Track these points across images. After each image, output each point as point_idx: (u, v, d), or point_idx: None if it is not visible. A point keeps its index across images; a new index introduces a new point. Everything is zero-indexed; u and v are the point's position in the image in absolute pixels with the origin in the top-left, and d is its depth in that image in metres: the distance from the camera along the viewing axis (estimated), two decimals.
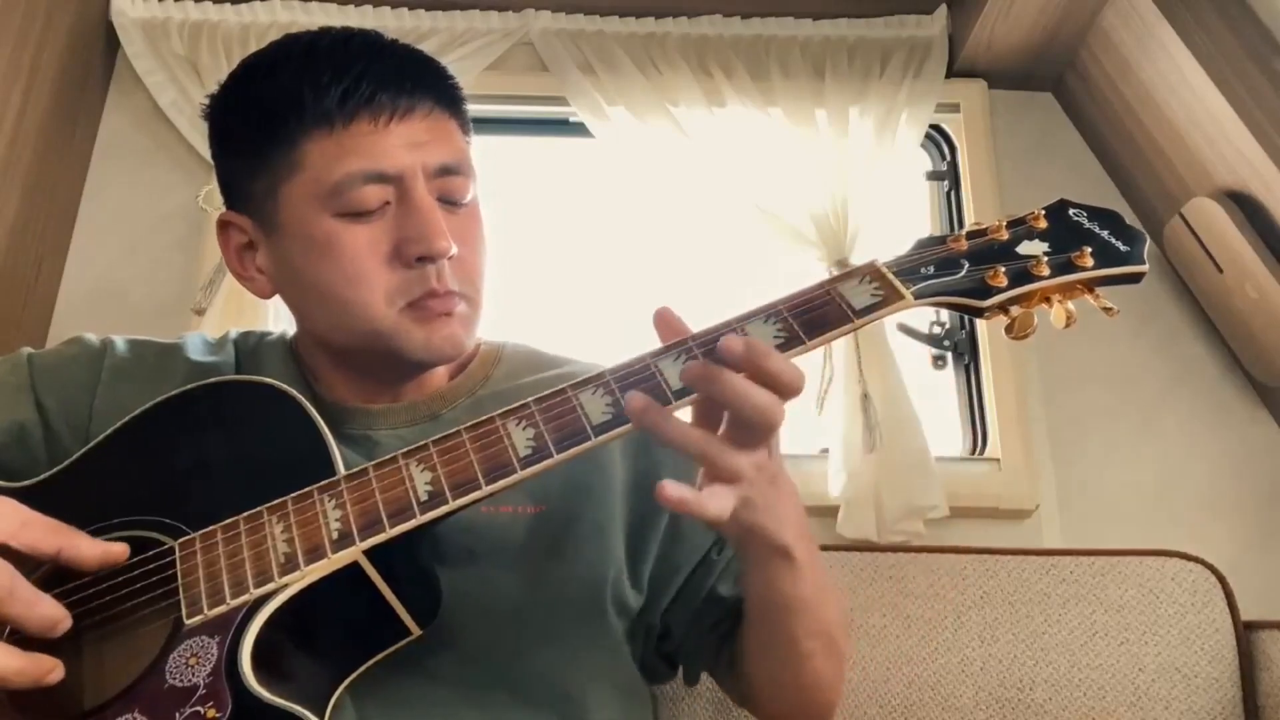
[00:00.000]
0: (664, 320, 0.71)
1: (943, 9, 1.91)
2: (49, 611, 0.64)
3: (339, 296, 0.81)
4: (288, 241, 0.83)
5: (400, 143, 0.80)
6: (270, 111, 0.81)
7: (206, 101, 0.88)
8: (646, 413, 0.66)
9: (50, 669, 0.64)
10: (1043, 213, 0.78)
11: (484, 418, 0.71)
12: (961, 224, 1.88)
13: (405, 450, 0.71)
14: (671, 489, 0.64)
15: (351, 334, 0.83)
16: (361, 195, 0.79)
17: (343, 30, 0.85)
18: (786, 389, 0.66)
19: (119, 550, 0.70)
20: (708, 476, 0.67)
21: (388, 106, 0.80)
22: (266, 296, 0.89)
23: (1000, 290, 0.73)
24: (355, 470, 0.71)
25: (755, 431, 0.66)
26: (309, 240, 0.81)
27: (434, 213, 0.80)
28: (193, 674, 0.64)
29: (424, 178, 0.81)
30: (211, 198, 1.74)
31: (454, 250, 0.81)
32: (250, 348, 0.95)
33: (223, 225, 0.88)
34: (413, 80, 0.82)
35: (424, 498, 0.68)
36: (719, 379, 0.65)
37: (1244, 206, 1.56)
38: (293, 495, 0.71)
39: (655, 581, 0.88)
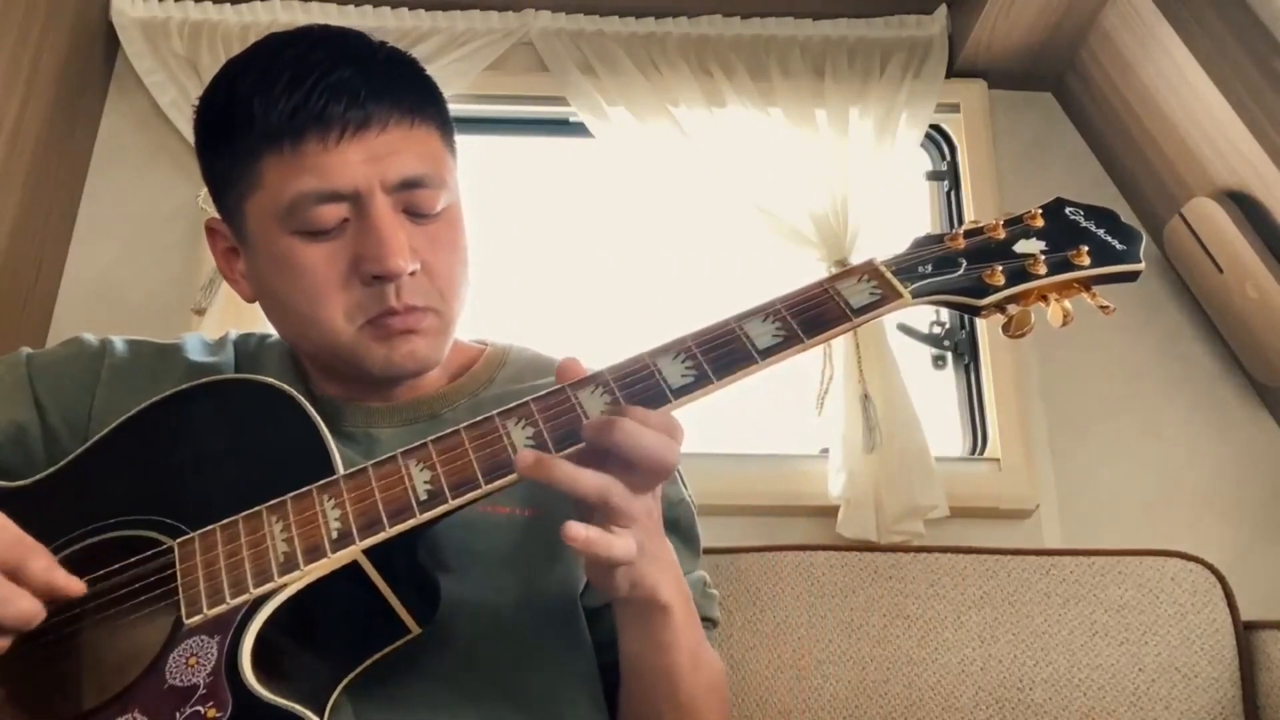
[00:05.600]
0: (565, 371, 0.71)
1: (943, 9, 1.90)
2: (26, 606, 0.64)
3: (301, 313, 0.81)
4: (255, 254, 0.83)
5: (356, 158, 0.77)
6: (229, 126, 0.80)
7: (195, 104, 0.87)
8: (539, 466, 0.66)
9: (36, 611, 0.65)
10: (1040, 211, 0.78)
11: (483, 417, 0.71)
12: (961, 224, 1.87)
13: (404, 449, 0.71)
14: (577, 529, 0.64)
15: (317, 347, 0.83)
16: (316, 215, 0.77)
17: (315, 34, 0.82)
18: (671, 433, 0.67)
19: (66, 584, 0.67)
20: (607, 522, 0.67)
21: (338, 121, 0.76)
22: (250, 301, 0.88)
23: (998, 289, 0.74)
24: (354, 470, 0.71)
25: (649, 476, 0.67)
26: (271, 257, 0.80)
27: (390, 230, 0.77)
28: (192, 674, 0.64)
29: (383, 192, 0.78)
30: None
31: (411, 268, 0.78)
32: (250, 349, 0.95)
33: (210, 230, 0.88)
34: (371, 89, 0.78)
35: (423, 497, 0.68)
36: (614, 426, 0.65)
37: (1244, 206, 1.56)
38: (292, 495, 0.71)
39: (590, 597, 0.86)
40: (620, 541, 0.66)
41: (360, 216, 0.78)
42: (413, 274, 0.79)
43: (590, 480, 0.66)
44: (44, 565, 0.66)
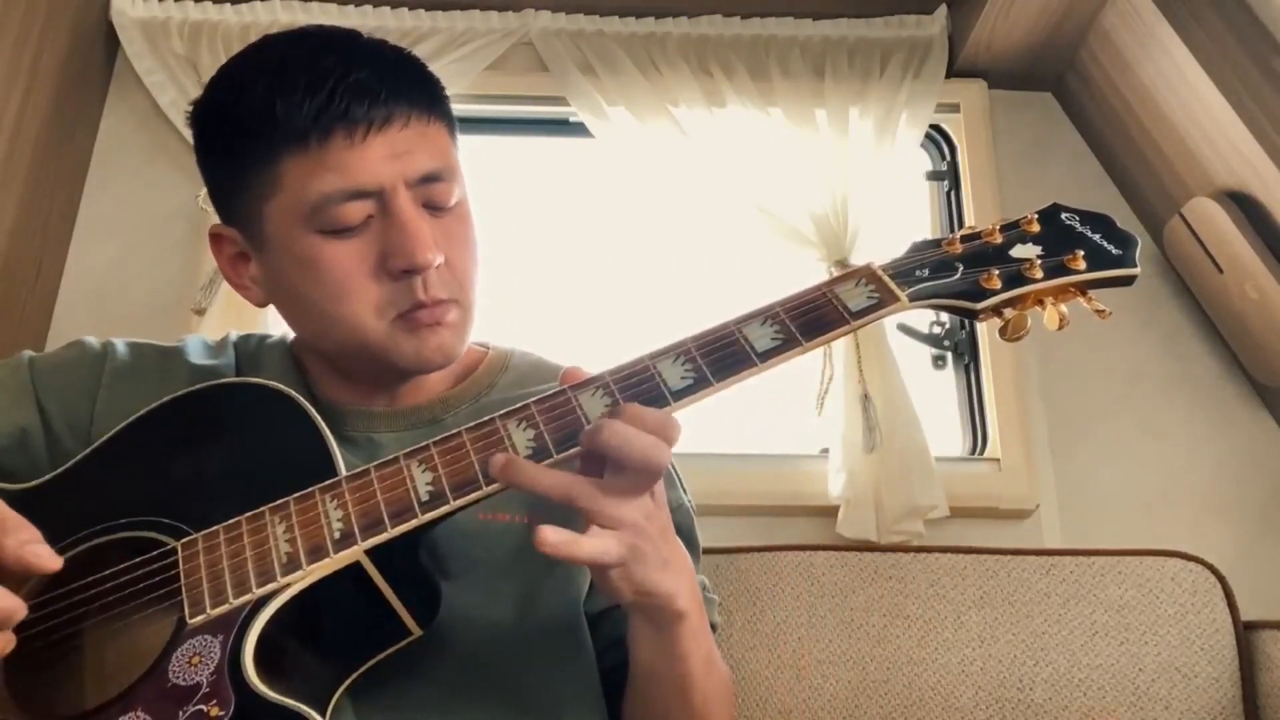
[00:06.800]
0: (569, 379, 0.72)
1: (943, 9, 1.91)
2: (3, 603, 0.62)
3: (327, 311, 0.81)
4: (275, 256, 0.82)
5: (379, 155, 0.78)
6: (245, 130, 0.79)
7: (190, 109, 0.86)
8: (508, 469, 0.66)
9: (15, 608, 0.62)
10: (1036, 216, 0.79)
11: (485, 419, 0.71)
12: (961, 224, 1.88)
13: (406, 451, 0.71)
14: (551, 534, 0.64)
15: (342, 345, 0.83)
16: (342, 212, 0.78)
17: (317, 36, 0.82)
18: (666, 432, 0.67)
19: (38, 560, 0.64)
20: (590, 525, 0.67)
21: (363, 119, 0.77)
22: (261, 305, 0.88)
23: (994, 292, 0.74)
24: (357, 470, 0.72)
25: (639, 477, 0.67)
26: (295, 257, 0.80)
27: (417, 224, 0.78)
28: (195, 673, 0.65)
29: (405, 188, 0.79)
30: None
31: (439, 260, 0.79)
32: (251, 350, 0.95)
33: (214, 237, 0.88)
34: (389, 88, 0.79)
35: (425, 498, 0.68)
36: (601, 429, 0.65)
37: (1244, 206, 1.56)
38: (295, 495, 0.71)
39: (590, 604, 0.86)
40: (591, 543, 0.65)
41: (386, 213, 0.79)
42: (438, 267, 0.80)
43: (550, 480, 0.67)
44: (17, 542, 0.64)
